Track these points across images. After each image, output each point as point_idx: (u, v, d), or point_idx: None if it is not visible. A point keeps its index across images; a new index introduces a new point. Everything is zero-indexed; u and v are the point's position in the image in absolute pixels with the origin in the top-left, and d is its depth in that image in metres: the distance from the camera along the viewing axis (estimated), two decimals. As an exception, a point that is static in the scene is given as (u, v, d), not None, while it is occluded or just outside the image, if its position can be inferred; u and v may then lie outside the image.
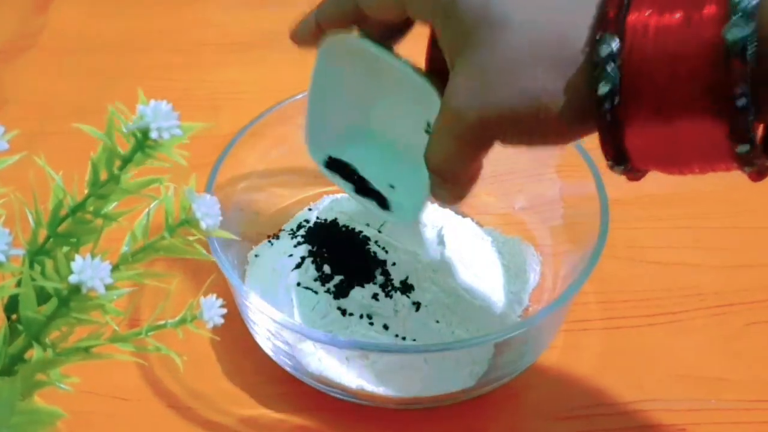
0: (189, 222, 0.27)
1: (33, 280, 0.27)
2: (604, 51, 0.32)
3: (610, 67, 0.32)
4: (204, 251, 0.29)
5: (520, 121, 0.34)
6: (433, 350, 0.45)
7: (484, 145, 0.36)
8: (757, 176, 0.33)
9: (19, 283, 0.27)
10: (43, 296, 0.27)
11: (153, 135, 0.26)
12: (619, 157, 0.34)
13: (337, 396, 0.46)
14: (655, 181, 0.58)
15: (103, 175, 0.28)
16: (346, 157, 0.47)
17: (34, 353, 0.28)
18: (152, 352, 0.30)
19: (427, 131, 0.39)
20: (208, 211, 0.27)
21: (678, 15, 0.31)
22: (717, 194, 0.57)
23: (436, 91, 0.39)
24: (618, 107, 0.32)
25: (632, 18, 0.32)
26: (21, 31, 0.76)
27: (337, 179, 0.47)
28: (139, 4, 0.79)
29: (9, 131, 0.26)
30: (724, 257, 0.54)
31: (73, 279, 0.25)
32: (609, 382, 0.47)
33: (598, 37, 0.32)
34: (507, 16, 0.34)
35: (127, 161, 0.27)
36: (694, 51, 0.30)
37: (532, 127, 0.35)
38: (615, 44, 0.32)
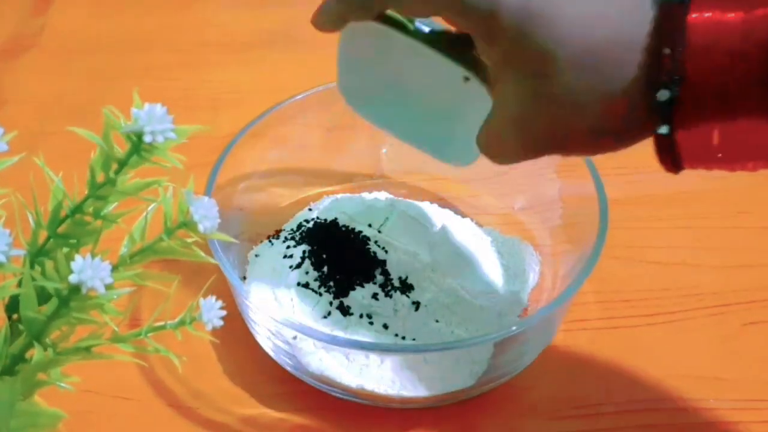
0: (187, 224, 0.28)
1: (33, 280, 0.27)
2: (665, 54, 0.31)
3: (669, 72, 0.31)
4: (202, 254, 0.29)
5: (586, 135, 0.34)
6: (433, 350, 0.45)
7: (544, 154, 0.37)
8: None
9: (19, 284, 0.27)
10: (43, 296, 0.28)
11: (147, 139, 0.26)
12: (675, 160, 0.33)
13: (338, 395, 0.46)
14: (655, 181, 0.58)
15: (101, 178, 0.28)
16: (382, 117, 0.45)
17: (35, 353, 0.28)
18: (152, 353, 0.30)
19: (465, 78, 0.39)
20: (206, 213, 0.27)
21: (736, 15, 0.30)
22: (716, 194, 0.57)
23: (467, 71, 0.39)
24: (677, 111, 0.31)
25: (692, 19, 0.31)
26: (21, 31, 0.76)
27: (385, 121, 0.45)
28: (139, 4, 0.79)
29: (9, 131, 0.26)
30: (723, 257, 0.54)
31: (73, 279, 0.25)
32: (608, 381, 0.47)
33: (657, 41, 0.31)
34: (560, 23, 0.33)
35: (122, 164, 0.27)
36: (754, 51, 0.30)
37: (596, 141, 0.35)
38: (676, 48, 0.31)
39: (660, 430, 0.45)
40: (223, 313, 0.29)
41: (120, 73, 0.70)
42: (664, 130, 0.32)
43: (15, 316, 0.29)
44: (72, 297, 0.27)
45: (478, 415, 0.46)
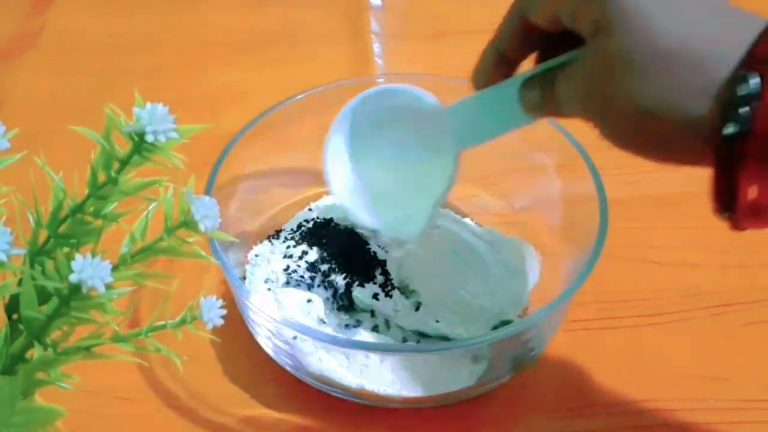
0: (188, 224, 0.28)
1: (34, 279, 0.27)
2: (742, 90, 0.30)
3: (743, 110, 0.30)
4: (203, 253, 0.29)
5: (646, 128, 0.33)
6: (433, 350, 0.45)
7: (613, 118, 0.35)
8: None
9: (20, 283, 0.27)
10: (44, 296, 0.28)
11: (149, 138, 0.26)
12: (727, 203, 0.32)
13: (338, 396, 0.46)
14: (655, 181, 0.58)
15: (102, 177, 0.28)
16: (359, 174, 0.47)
17: (35, 352, 0.28)
18: (152, 352, 0.30)
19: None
20: (207, 212, 0.27)
21: None
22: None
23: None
24: (741, 150, 0.30)
25: None
26: (21, 31, 0.76)
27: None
28: (139, 5, 0.79)
29: (9, 131, 0.26)
30: (723, 257, 0.54)
31: (73, 278, 0.25)
32: (608, 381, 0.47)
33: (739, 75, 0.30)
34: (664, 30, 0.32)
35: (124, 164, 0.27)
36: None
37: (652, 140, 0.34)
38: (755, 85, 0.30)
39: (660, 430, 0.45)
40: (224, 312, 0.29)
41: (120, 73, 0.70)
42: (730, 129, 0.31)
43: (15, 315, 0.29)
44: (72, 296, 0.27)
45: (478, 415, 0.46)
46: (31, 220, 0.29)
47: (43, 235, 0.29)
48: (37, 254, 0.29)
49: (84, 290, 0.26)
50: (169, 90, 0.68)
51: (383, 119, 0.45)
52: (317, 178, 0.57)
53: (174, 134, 0.26)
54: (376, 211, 0.46)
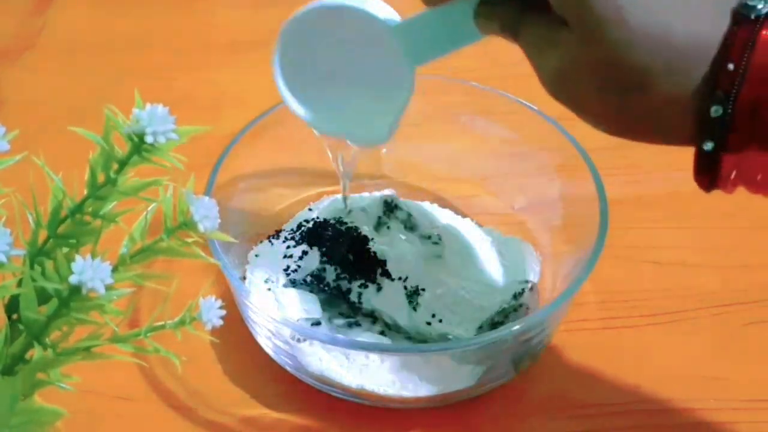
0: (187, 224, 0.28)
1: (34, 280, 0.27)
2: (724, 80, 0.31)
3: (726, 88, 0.31)
4: (202, 254, 0.29)
5: (637, 111, 0.34)
6: (433, 350, 0.45)
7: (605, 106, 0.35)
8: None
9: (19, 284, 0.27)
10: (43, 296, 0.28)
11: (148, 139, 0.26)
12: (712, 177, 0.34)
13: (338, 396, 0.46)
14: (655, 181, 0.58)
15: (101, 178, 0.28)
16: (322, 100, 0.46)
17: (35, 353, 0.28)
18: (152, 353, 0.30)
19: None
20: (206, 213, 0.27)
21: None
22: (716, 194, 0.57)
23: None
24: (727, 131, 0.32)
25: (764, 35, 0.31)
26: (21, 32, 0.76)
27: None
28: (139, 4, 0.79)
29: (9, 131, 0.26)
30: (723, 257, 0.54)
31: (73, 279, 0.25)
32: (608, 382, 0.47)
33: (724, 54, 0.31)
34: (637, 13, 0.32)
35: (123, 164, 0.27)
36: None
37: (638, 122, 0.34)
38: (740, 65, 0.31)
39: (660, 430, 0.45)
40: (223, 312, 0.29)
41: (120, 73, 0.70)
42: (708, 146, 0.32)
43: (15, 316, 0.29)
44: (72, 297, 0.27)
45: (478, 415, 0.46)
46: (31, 221, 0.29)
47: (43, 235, 0.29)
48: (36, 255, 0.29)
49: (84, 292, 0.26)
50: (169, 90, 0.68)
51: (329, 41, 0.44)
52: (317, 178, 0.57)
53: (174, 135, 0.26)
54: (338, 121, 0.45)
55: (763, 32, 0.31)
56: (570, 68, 0.35)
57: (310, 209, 0.56)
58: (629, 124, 0.35)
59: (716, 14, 0.32)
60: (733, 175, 0.33)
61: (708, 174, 0.34)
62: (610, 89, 0.34)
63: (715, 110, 0.32)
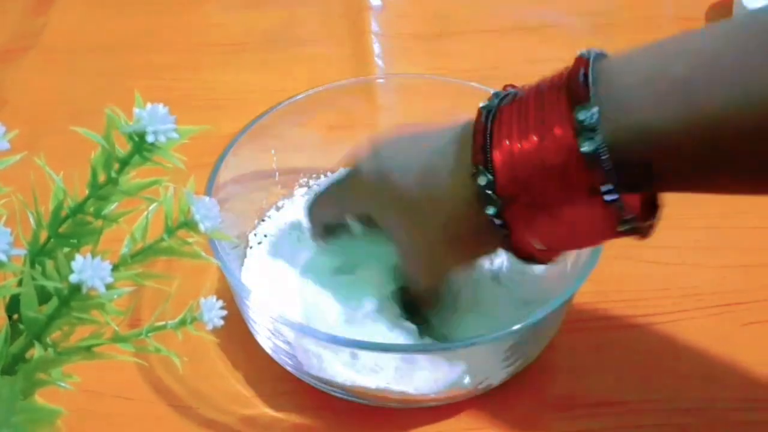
0: (188, 224, 0.28)
1: (34, 279, 0.27)
2: (482, 182, 0.37)
3: (489, 194, 0.37)
4: (203, 253, 0.29)
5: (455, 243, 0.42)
6: (432, 350, 0.45)
7: (446, 269, 0.45)
8: (641, 238, 0.38)
9: (20, 283, 0.27)
10: (44, 296, 0.28)
11: (149, 138, 0.26)
12: (524, 255, 0.40)
13: (338, 395, 0.46)
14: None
15: (102, 177, 0.28)
16: None
17: (36, 352, 0.28)
18: (152, 353, 0.30)
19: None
20: (207, 213, 0.27)
21: (533, 139, 0.36)
22: (716, 195, 0.57)
23: None
24: (507, 222, 0.38)
25: (496, 153, 0.37)
26: (21, 31, 0.76)
27: None
28: (139, 5, 0.79)
29: (9, 131, 0.26)
30: (723, 257, 0.54)
31: (73, 278, 0.25)
32: (607, 382, 0.47)
33: (472, 174, 0.38)
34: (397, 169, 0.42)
35: (124, 164, 0.27)
36: (558, 162, 0.35)
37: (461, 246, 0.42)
38: (488, 176, 0.37)
39: (660, 430, 0.45)
40: (224, 312, 0.29)
41: (120, 73, 0.70)
42: (500, 236, 0.39)
43: (15, 315, 0.29)
44: (72, 297, 0.27)
45: (478, 414, 0.46)
46: (32, 221, 0.29)
47: (44, 235, 0.29)
48: (37, 254, 0.29)
49: (84, 290, 0.26)
50: (169, 90, 0.68)
51: None
52: (317, 178, 0.57)
53: (174, 134, 0.26)
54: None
55: (495, 153, 0.37)
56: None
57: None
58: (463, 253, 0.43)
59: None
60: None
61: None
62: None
63: (491, 211, 0.38)
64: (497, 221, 0.38)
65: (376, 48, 0.72)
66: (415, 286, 0.46)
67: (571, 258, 0.48)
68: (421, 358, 0.45)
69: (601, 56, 0.36)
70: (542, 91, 0.37)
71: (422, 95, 0.56)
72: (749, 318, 0.50)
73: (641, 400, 0.46)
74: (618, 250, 0.53)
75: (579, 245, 0.42)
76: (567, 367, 0.48)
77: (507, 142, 0.37)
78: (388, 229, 0.44)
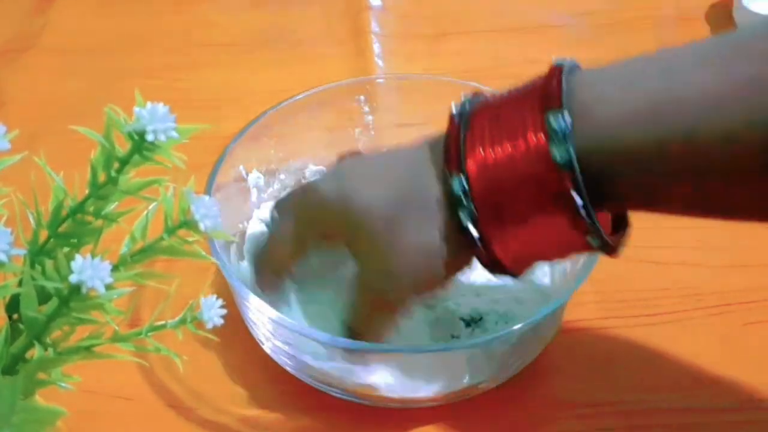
0: (188, 224, 0.28)
1: (34, 279, 0.27)
2: (457, 190, 0.37)
3: (464, 203, 0.37)
4: (203, 253, 0.29)
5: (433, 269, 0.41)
6: (432, 350, 0.45)
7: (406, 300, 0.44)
8: (611, 255, 0.39)
9: (20, 283, 0.27)
10: (44, 296, 0.28)
11: (149, 137, 0.26)
12: (498, 268, 0.40)
13: (338, 395, 0.46)
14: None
15: (102, 177, 0.28)
16: None
17: (36, 352, 0.28)
18: (152, 352, 0.30)
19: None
20: (207, 212, 0.27)
21: (507, 146, 0.36)
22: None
23: None
24: (482, 232, 0.38)
25: (470, 162, 0.37)
26: (21, 31, 0.76)
27: None
28: (139, 4, 0.79)
29: (10, 131, 0.26)
30: (723, 257, 0.54)
31: (73, 279, 0.25)
32: (607, 382, 0.47)
33: (446, 186, 0.38)
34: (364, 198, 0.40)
35: (124, 163, 0.27)
36: (530, 168, 0.35)
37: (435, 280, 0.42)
38: (463, 184, 0.37)
39: (660, 430, 0.45)
40: (224, 311, 0.29)
41: (120, 72, 0.70)
42: (475, 247, 0.39)
43: (15, 315, 0.29)
44: (72, 297, 0.27)
45: (478, 414, 0.46)
46: (32, 220, 0.29)
47: (44, 235, 0.29)
48: (37, 254, 0.29)
49: (84, 290, 0.26)
50: (169, 90, 0.68)
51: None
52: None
53: (174, 133, 0.26)
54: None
55: (469, 161, 0.37)
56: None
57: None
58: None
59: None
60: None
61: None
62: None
63: (470, 228, 0.38)
64: (474, 231, 0.38)
65: (376, 48, 0.72)
66: (357, 321, 0.44)
67: (570, 258, 0.47)
68: (421, 359, 0.45)
69: (575, 68, 0.37)
70: (515, 99, 0.37)
71: (422, 95, 0.56)
72: (749, 318, 0.50)
73: (641, 401, 0.46)
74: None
75: (549, 256, 0.41)
76: (566, 368, 0.48)
77: (480, 150, 0.37)
78: (357, 253, 0.42)
